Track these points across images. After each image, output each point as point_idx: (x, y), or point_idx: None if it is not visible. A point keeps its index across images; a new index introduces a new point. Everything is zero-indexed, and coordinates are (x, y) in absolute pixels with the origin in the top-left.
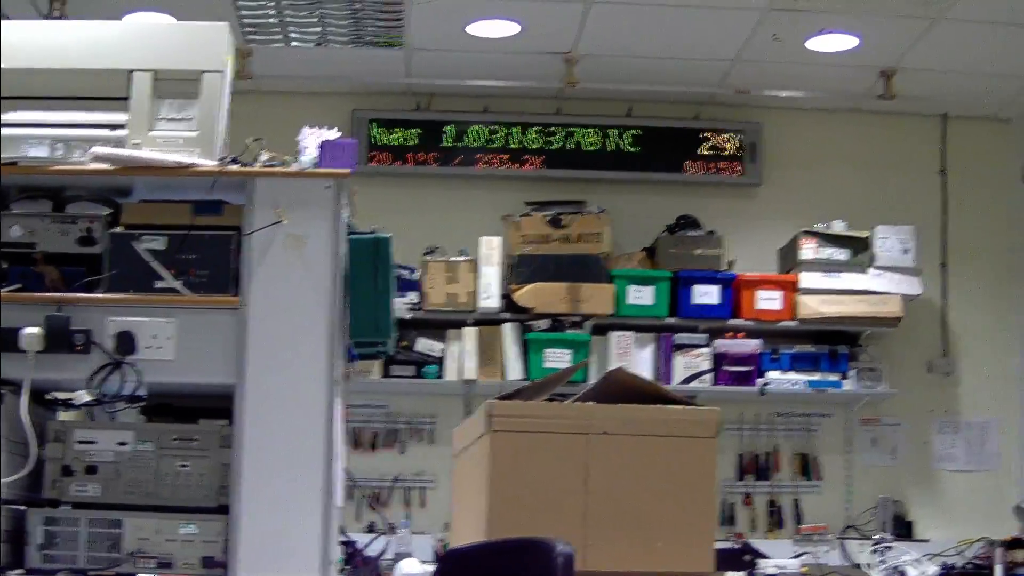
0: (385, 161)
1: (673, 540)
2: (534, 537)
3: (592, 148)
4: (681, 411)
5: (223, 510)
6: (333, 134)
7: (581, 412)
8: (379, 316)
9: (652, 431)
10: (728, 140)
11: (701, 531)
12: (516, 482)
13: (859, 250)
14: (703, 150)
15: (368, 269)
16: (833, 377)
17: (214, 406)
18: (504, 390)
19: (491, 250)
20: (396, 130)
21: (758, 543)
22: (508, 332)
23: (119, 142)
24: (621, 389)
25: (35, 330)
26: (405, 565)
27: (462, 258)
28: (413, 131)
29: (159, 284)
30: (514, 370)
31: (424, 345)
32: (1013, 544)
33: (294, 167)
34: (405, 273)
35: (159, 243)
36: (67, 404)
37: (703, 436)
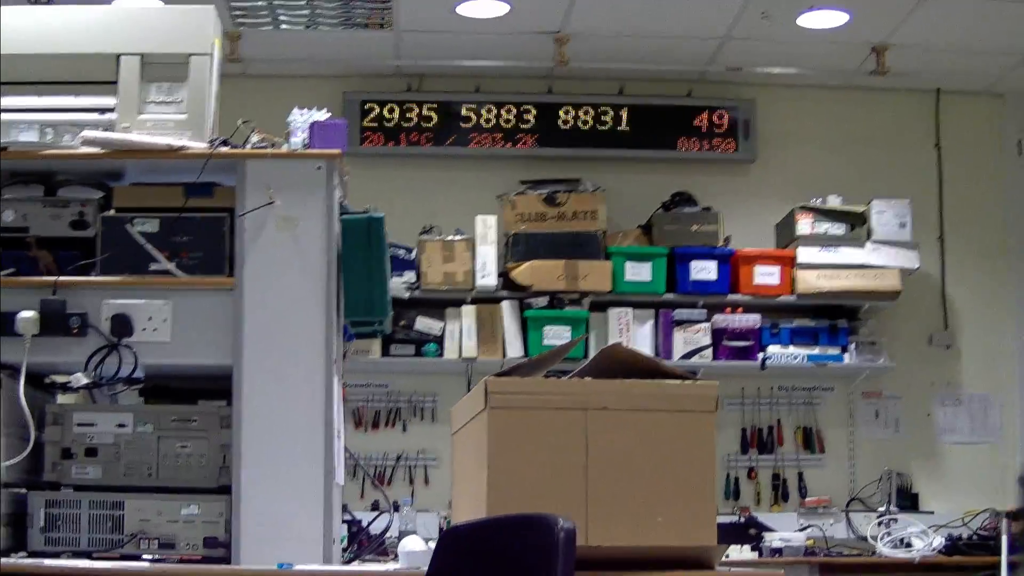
0: (378, 142)
1: (674, 514)
2: (535, 513)
3: (585, 126)
4: (680, 386)
5: (224, 490)
6: (323, 115)
7: (579, 388)
8: (374, 295)
9: (651, 406)
10: (721, 117)
11: (702, 505)
12: (515, 459)
13: (856, 225)
14: (696, 127)
15: (362, 249)
16: (833, 351)
17: (213, 387)
18: (504, 367)
19: (487, 228)
20: (388, 111)
21: (763, 517)
22: (507, 310)
23: (109, 126)
24: (618, 364)
25: (30, 314)
26: (408, 542)
27: (458, 237)
28: (405, 112)
29: (153, 266)
30: (514, 347)
31: (423, 324)
32: (1018, 515)
33: (284, 149)
34: (402, 253)
35: (152, 226)
36: (65, 387)
37: (702, 410)
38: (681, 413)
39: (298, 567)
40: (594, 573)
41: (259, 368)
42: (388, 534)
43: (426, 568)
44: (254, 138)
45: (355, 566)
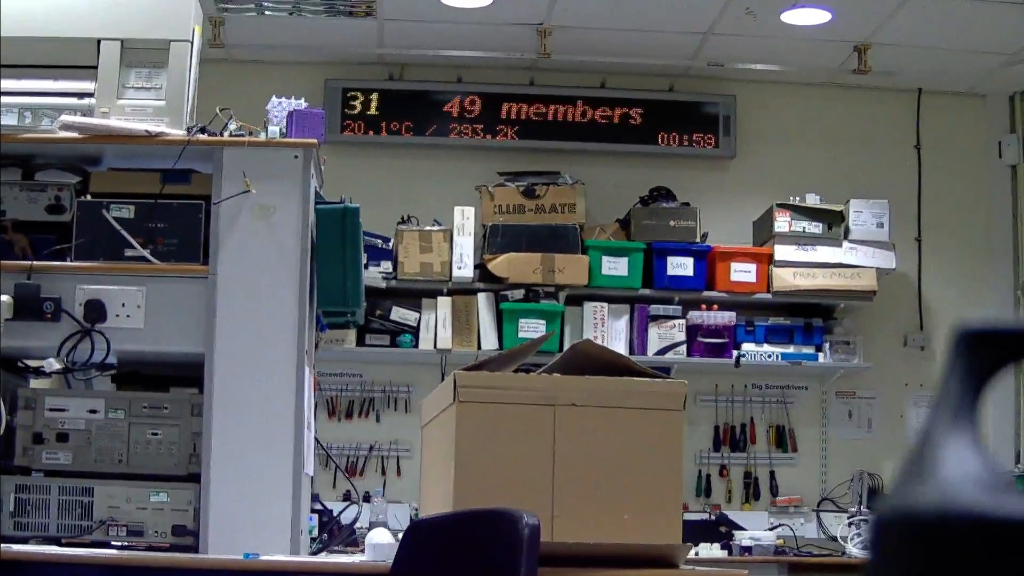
0: (358, 131)
1: (640, 512)
2: (500, 508)
3: (566, 119)
4: (649, 383)
5: (194, 478)
6: (301, 104)
7: (548, 383)
8: (348, 286)
9: (620, 403)
10: (702, 112)
11: (668, 503)
12: (483, 453)
13: (833, 224)
14: (677, 122)
15: (336, 239)
16: (808, 350)
17: (185, 374)
18: (479, 359)
19: (465, 220)
20: (369, 100)
21: (734, 515)
22: (483, 302)
23: (87, 111)
24: (588, 361)
25: (4, 298)
26: (375, 535)
27: (436, 228)
28: (386, 101)
29: (128, 252)
30: (489, 340)
31: (399, 314)
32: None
33: (262, 137)
34: (379, 242)
35: (128, 211)
36: (38, 372)
37: (671, 408)
38: (649, 411)
39: (264, 557)
40: (559, 569)
41: (231, 357)
42: (358, 525)
43: (391, 561)
44: (232, 126)
45: (321, 558)
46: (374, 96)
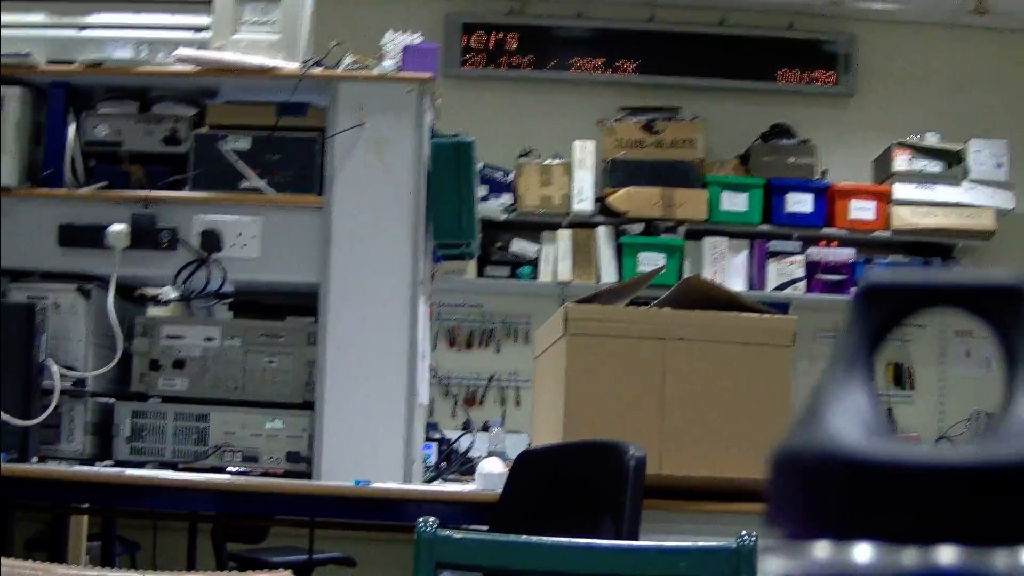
0: (479, 64)
1: (747, 447)
2: (607, 440)
3: (685, 55)
4: (757, 319)
5: (308, 406)
6: (416, 39)
7: (658, 317)
8: (462, 218)
9: (728, 338)
10: (821, 50)
11: (775, 439)
12: (592, 385)
13: (953, 163)
14: (796, 59)
15: (451, 173)
16: None
17: (303, 304)
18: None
19: (585, 154)
20: (490, 34)
21: None
22: (602, 235)
23: (203, 45)
24: (698, 296)
25: (121, 227)
26: (486, 464)
27: (556, 161)
28: (507, 35)
29: (244, 184)
30: (608, 272)
31: (519, 246)
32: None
33: (376, 71)
34: (499, 175)
35: (244, 143)
36: (156, 300)
37: (779, 344)
38: (758, 346)
39: (375, 484)
40: (664, 500)
41: (346, 287)
42: (478, 454)
43: (500, 490)
44: (347, 60)
45: (434, 486)
46: (494, 30)
